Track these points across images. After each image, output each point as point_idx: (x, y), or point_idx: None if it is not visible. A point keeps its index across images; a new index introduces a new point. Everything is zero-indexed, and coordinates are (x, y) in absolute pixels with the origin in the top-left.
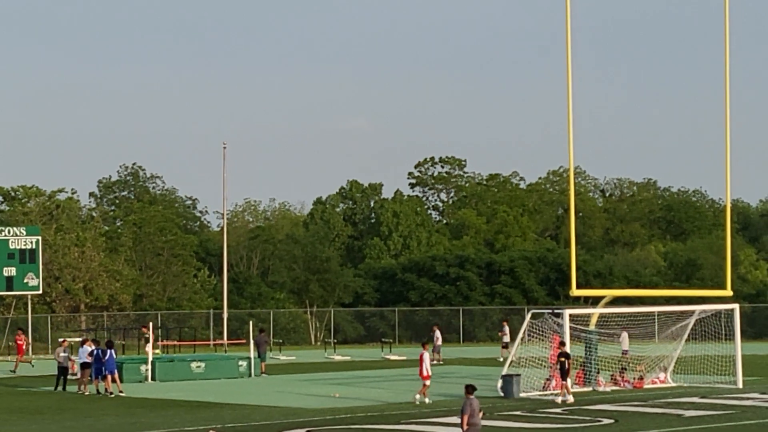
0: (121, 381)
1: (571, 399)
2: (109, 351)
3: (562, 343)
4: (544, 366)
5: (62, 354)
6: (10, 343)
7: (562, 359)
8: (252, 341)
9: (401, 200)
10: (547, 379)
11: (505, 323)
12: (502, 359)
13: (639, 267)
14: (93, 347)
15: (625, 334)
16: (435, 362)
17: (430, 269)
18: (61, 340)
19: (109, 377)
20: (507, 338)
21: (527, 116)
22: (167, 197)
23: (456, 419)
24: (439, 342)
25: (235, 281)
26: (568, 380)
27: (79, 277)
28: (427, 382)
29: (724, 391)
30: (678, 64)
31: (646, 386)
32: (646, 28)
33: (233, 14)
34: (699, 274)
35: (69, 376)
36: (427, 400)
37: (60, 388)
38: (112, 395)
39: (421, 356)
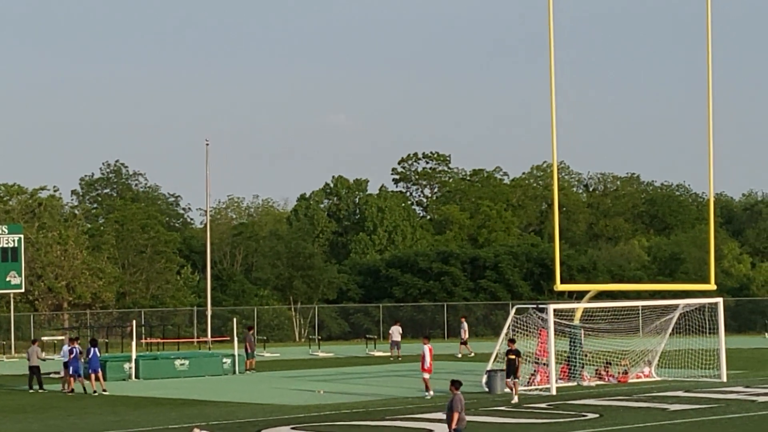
0: (105, 379)
1: (515, 400)
2: (93, 349)
3: (512, 341)
4: (529, 361)
5: (42, 353)
6: None
7: (512, 356)
8: (244, 338)
9: (386, 195)
10: (532, 374)
11: (463, 319)
12: (460, 355)
13: (623, 261)
14: (71, 345)
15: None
16: (393, 358)
17: (414, 265)
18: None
19: (93, 375)
20: (465, 335)
21: (511, 111)
22: (150, 194)
23: (440, 415)
24: (396, 337)
25: (218, 278)
26: (518, 379)
27: (61, 275)
28: (425, 376)
29: (709, 384)
30: (660, 58)
31: (630, 380)
32: (629, 23)
33: (215, 12)
34: (682, 268)
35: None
36: (430, 394)
37: (36, 387)
38: (96, 393)
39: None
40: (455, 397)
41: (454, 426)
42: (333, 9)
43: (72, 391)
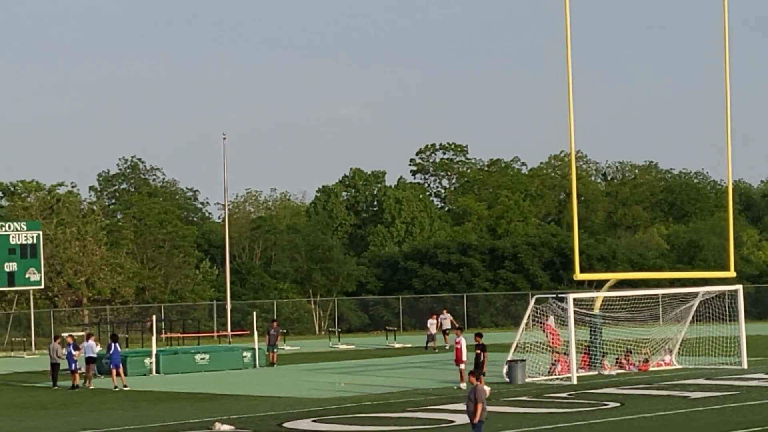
0: (126, 374)
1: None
2: (113, 345)
3: (479, 335)
4: (549, 351)
5: (63, 350)
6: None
7: (478, 351)
8: (266, 332)
9: (404, 187)
10: (553, 364)
11: (444, 311)
12: (446, 346)
13: (642, 250)
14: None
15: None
16: (437, 349)
17: (433, 256)
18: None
19: (114, 371)
20: (448, 325)
21: (528, 101)
22: (168, 189)
23: (462, 406)
24: (433, 330)
25: (237, 272)
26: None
27: (80, 271)
28: (461, 366)
29: (729, 372)
30: (678, 45)
31: (651, 369)
32: (646, 9)
33: (229, 5)
34: (701, 256)
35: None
36: (463, 385)
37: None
38: (117, 389)
39: (458, 342)
40: (477, 387)
41: (477, 419)
42: (347, 1)
43: (76, 387)
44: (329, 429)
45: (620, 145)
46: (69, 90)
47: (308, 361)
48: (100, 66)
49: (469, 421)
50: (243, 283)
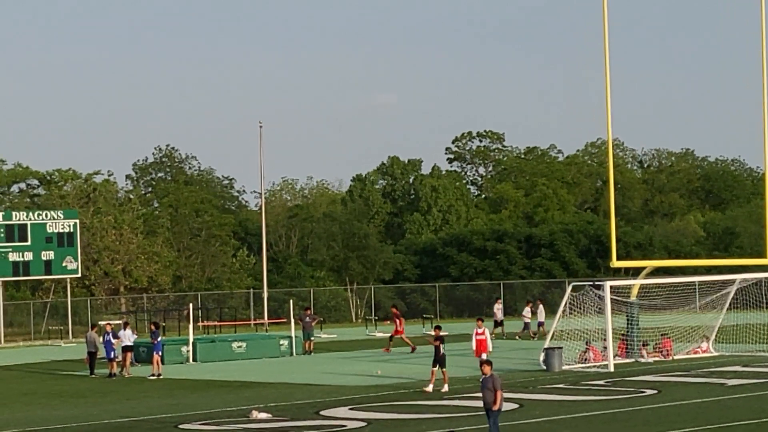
0: (163, 362)
1: (430, 389)
2: (157, 331)
3: (438, 327)
4: (584, 339)
5: (100, 339)
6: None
7: (437, 343)
8: (301, 321)
9: (439, 175)
10: (584, 352)
11: (498, 302)
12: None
13: (679, 237)
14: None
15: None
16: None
17: (470, 244)
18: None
19: (157, 357)
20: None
21: (564, 88)
22: (204, 177)
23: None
24: (528, 318)
25: (274, 260)
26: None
27: (117, 260)
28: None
29: (767, 359)
30: (714, 31)
31: (688, 356)
32: None
33: None
34: (737, 243)
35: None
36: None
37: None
38: (153, 377)
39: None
40: (494, 376)
41: (497, 406)
42: None
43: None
44: (366, 417)
45: (657, 133)
46: (104, 79)
47: (345, 349)
48: (135, 55)
49: (485, 409)
50: (279, 272)
